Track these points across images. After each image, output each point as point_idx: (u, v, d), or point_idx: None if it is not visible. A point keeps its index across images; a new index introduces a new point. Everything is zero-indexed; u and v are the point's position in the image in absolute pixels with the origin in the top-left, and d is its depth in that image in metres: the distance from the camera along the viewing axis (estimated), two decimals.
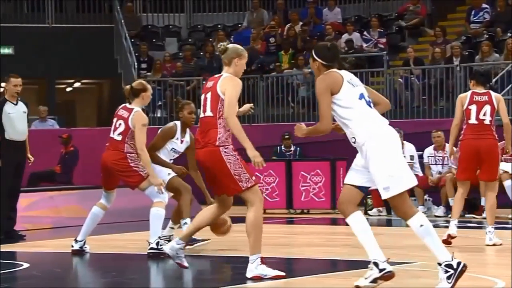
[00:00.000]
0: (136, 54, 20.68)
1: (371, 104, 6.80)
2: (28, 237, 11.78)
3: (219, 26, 22.81)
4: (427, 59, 18.87)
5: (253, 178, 7.58)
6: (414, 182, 6.72)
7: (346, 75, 6.80)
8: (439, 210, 14.42)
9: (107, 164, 9.23)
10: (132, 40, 21.25)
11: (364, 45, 20.08)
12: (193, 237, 8.91)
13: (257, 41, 21.17)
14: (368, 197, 14.80)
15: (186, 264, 7.73)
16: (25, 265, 8.18)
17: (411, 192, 14.64)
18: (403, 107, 18.10)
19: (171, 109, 19.82)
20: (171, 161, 9.67)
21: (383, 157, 6.59)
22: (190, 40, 22.75)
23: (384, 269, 6.66)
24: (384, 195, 6.66)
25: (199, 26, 23.24)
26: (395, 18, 21.32)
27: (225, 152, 7.48)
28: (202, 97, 7.66)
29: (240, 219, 7.72)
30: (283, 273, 7.62)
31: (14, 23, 21.13)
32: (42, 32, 21.56)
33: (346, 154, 15.84)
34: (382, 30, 20.44)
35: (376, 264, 6.67)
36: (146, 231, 9.24)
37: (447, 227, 10.25)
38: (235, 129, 7.42)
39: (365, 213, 14.73)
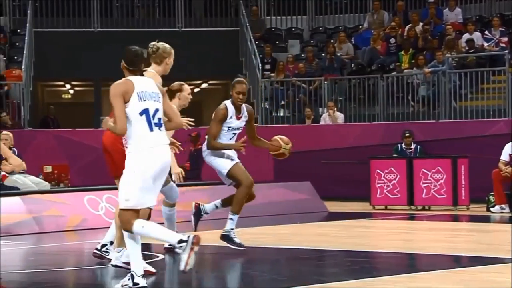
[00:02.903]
0: (260, 55, 21.13)
1: (153, 122, 6.92)
2: None
3: (340, 27, 23.06)
4: None
5: None
6: (146, 204, 6.91)
7: (140, 86, 6.95)
8: None
9: None
10: (257, 42, 21.72)
11: (485, 44, 20.07)
12: None
13: (377, 42, 21.35)
14: (490, 194, 14.73)
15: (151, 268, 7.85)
16: (160, 256, 8.37)
17: None
18: None
19: (293, 108, 20.30)
20: (232, 139, 9.60)
21: (130, 174, 6.85)
22: (312, 41, 23.02)
23: (138, 283, 6.79)
24: (124, 205, 6.87)
25: (320, 28, 23.53)
26: None
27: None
28: None
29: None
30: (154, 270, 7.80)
31: (147, 28, 21.78)
32: (173, 35, 21.97)
33: (467, 152, 16.06)
34: (503, 29, 20.34)
35: (132, 276, 6.81)
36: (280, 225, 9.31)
37: None
38: None
39: (487, 210, 14.62)
